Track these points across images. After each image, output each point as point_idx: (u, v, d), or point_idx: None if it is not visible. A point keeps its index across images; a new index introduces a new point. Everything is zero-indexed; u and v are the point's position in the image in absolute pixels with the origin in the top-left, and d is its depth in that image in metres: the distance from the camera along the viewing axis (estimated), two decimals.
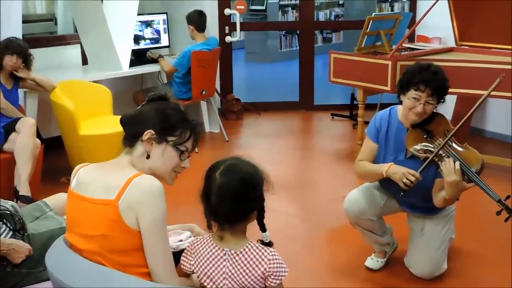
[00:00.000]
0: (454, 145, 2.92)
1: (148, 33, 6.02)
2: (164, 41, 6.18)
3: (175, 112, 2.01)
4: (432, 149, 2.89)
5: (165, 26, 6.15)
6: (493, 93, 4.40)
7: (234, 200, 1.84)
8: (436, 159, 2.87)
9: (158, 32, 6.10)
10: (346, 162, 4.56)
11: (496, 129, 5.82)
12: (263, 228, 1.96)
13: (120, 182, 1.85)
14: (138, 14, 5.60)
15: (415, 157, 2.95)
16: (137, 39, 5.84)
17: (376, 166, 3.06)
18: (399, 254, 3.36)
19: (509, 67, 4.35)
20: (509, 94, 4.35)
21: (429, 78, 2.87)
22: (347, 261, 3.46)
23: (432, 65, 2.97)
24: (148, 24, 6.02)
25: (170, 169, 2.01)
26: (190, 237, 2.19)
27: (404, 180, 2.87)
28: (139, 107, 2.05)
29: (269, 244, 1.95)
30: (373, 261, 3.32)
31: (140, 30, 5.91)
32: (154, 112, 1.99)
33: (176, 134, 1.98)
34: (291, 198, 4.49)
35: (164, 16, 6.15)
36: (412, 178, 2.85)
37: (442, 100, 2.96)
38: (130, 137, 1.99)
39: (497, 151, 5.24)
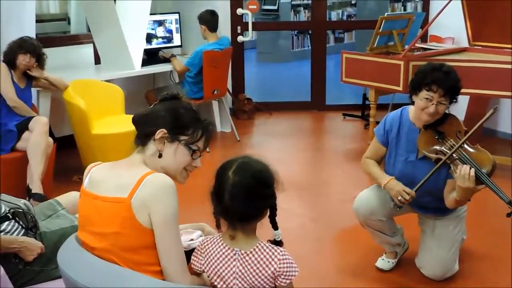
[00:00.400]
0: (465, 146, 2.91)
1: (160, 31, 6.04)
2: (176, 40, 6.20)
3: (187, 111, 2.02)
4: (443, 150, 2.88)
5: (177, 25, 6.17)
6: (506, 93, 4.44)
7: (247, 198, 1.84)
8: (448, 161, 2.86)
9: (170, 31, 6.12)
10: (357, 163, 4.53)
11: (508, 130, 5.78)
12: (275, 226, 1.97)
13: (133, 181, 1.86)
14: (151, 14, 5.62)
15: (426, 158, 2.94)
16: (149, 37, 5.85)
17: (378, 174, 3.09)
18: (411, 254, 3.35)
19: None
20: None
21: (441, 78, 2.85)
22: (358, 261, 3.45)
23: (444, 65, 2.96)
24: (160, 23, 6.04)
25: (182, 168, 2.02)
26: (201, 236, 2.20)
27: (399, 198, 2.93)
28: (152, 106, 2.06)
29: (280, 243, 1.95)
30: (384, 262, 3.32)
31: (152, 29, 5.93)
32: (166, 111, 2.00)
33: (188, 134, 1.99)
34: (302, 198, 4.49)
35: (176, 16, 6.16)
36: (407, 197, 2.91)
37: (454, 100, 2.94)
38: (143, 136, 2.00)
39: (509, 151, 5.20)
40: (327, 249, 3.68)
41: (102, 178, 1.96)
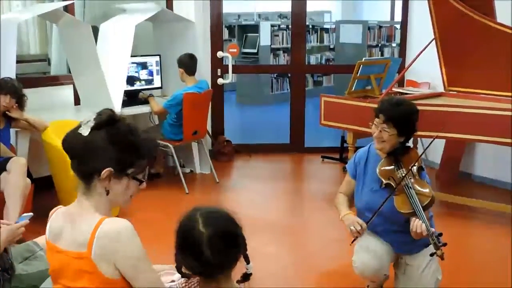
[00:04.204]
0: (412, 179, 3.07)
1: (143, 74, 6.08)
2: (157, 82, 6.24)
3: (132, 138, 1.89)
4: (394, 176, 3.08)
5: (158, 67, 6.22)
6: (482, 138, 4.53)
7: (228, 245, 1.78)
8: (395, 188, 3.03)
9: (151, 73, 6.16)
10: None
11: (484, 174, 5.86)
12: (247, 260, 1.88)
13: (86, 236, 1.81)
14: (132, 56, 5.66)
15: (388, 187, 3.09)
16: (132, 80, 5.88)
17: (340, 208, 3.27)
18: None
19: (497, 112, 4.41)
20: (498, 139, 4.41)
21: (387, 108, 3.12)
22: None
23: (399, 99, 3.29)
24: (144, 66, 6.08)
25: (129, 197, 1.96)
26: (181, 278, 2.18)
27: (351, 227, 3.08)
28: (87, 132, 1.85)
29: (250, 276, 1.89)
30: None
31: (136, 72, 5.96)
32: (108, 144, 1.84)
33: (136, 165, 1.90)
34: (281, 242, 4.47)
35: (157, 58, 6.21)
36: (358, 227, 3.06)
37: (406, 133, 3.14)
38: (86, 174, 1.88)
39: (486, 195, 5.27)
40: None
41: (59, 229, 1.91)
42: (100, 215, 1.87)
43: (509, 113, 4.35)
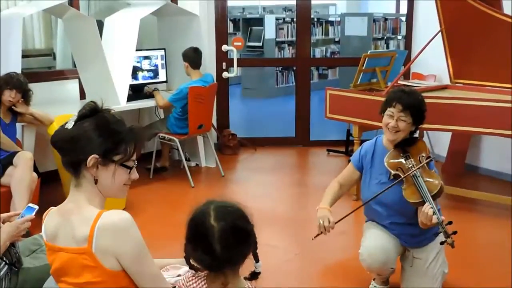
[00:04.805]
0: (422, 169, 3.07)
1: (146, 64, 6.07)
2: (162, 76, 6.23)
3: (115, 126, 1.90)
4: (403, 168, 3.07)
5: (163, 61, 6.21)
6: (488, 130, 4.51)
7: (239, 240, 1.77)
8: (404, 179, 3.04)
9: (156, 67, 6.16)
10: (341, 199, 4.57)
11: (491, 166, 5.84)
12: (257, 259, 1.88)
13: (85, 230, 1.81)
14: (137, 50, 5.66)
15: (396, 178, 3.08)
16: (135, 70, 5.87)
17: (324, 197, 3.33)
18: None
19: (503, 104, 4.39)
20: (503, 132, 4.39)
21: (401, 96, 3.13)
22: None
23: (409, 88, 3.28)
24: (146, 56, 6.08)
25: (121, 186, 1.95)
26: (188, 271, 2.18)
27: (320, 221, 3.15)
28: (71, 125, 1.89)
29: (258, 274, 1.89)
30: None
31: (138, 62, 5.96)
32: (93, 132, 1.86)
33: (121, 151, 1.89)
34: (286, 234, 4.48)
35: (162, 52, 6.21)
36: (326, 223, 3.13)
37: (418, 122, 3.14)
38: (72, 165, 1.89)
39: (492, 188, 5.26)
40: (312, 284, 3.66)
41: (56, 228, 1.92)
42: (95, 208, 1.87)
43: None
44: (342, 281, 3.62)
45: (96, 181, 1.89)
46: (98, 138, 1.85)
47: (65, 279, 1.92)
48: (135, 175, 1.97)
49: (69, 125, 1.88)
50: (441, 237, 2.89)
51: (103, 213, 1.83)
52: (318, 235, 3.19)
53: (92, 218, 1.82)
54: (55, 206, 2.04)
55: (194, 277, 1.89)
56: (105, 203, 1.97)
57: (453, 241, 2.81)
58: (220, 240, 1.73)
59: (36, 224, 2.54)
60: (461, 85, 5.34)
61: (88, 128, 1.86)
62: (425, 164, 3.08)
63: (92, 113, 1.90)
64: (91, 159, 1.84)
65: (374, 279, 3.36)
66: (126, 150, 1.90)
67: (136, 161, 1.96)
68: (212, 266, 1.80)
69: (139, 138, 1.97)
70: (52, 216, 1.97)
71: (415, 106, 3.11)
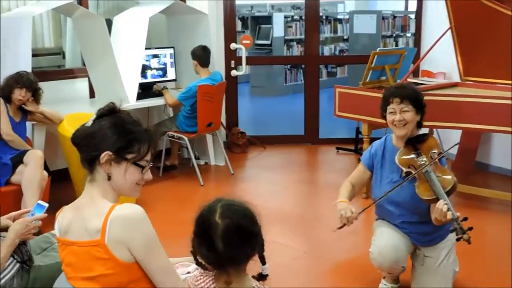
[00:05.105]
0: (434, 166, 3.05)
1: (154, 63, 6.08)
2: (171, 74, 6.24)
3: (130, 126, 1.95)
4: (415, 165, 3.06)
5: (172, 60, 6.22)
6: (498, 128, 4.49)
7: (242, 240, 1.78)
8: (416, 176, 3.03)
9: (165, 65, 6.17)
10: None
11: (501, 164, 5.82)
12: (263, 261, 1.88)
13: (99, 223, 1.84)
14: (146, 48, 5.68)
15: (407, 177, 3.07)
16: (143, 69, 5.88)
17: (341, 193, 3.29)
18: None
19: None
20: None
21: (394, 91, 3.15)
22: None
23: (402, 83, 3.34)
24: (154, 55, 6.09)
25: (134, 185, 1.99)
26: (197, 269, 2.18)
27: (342, 212, 3.10)
28: (90, 123, 1.97)
29: (265, 277, 1.89)
30: (387, 286, 3.35)
31: (147, 60, 5.97)
32: (108, 130, 1.92)
33: (135, 151, 1.94)
34: (295, 232, 4.48)
35: (171, 50, 6.22)
36: (349, 214, 3.07)
37: (421, 109, 3.15)
38: (88, 161, 1.95)
39: (502, 185, 5.24)
40: (321, 283, 3.65)
41: (69, 222, 1.95)
42: (109, 202, 1.91)
43: None
44: (352, 279, 3.61)
45: (109, 178, 1.93)
46: (112, 135, 1.91)
47: (76, 274, 1.93)
48: (148, 175, 2.01)
49: (88, 124, 1.96)
50: (454, 235, 2.87)
51: (116, 206, 1.87)
52: (341, 227, 3.15)
53: (105, 211, 1.85)
54: (66, 205, 2.06)
55: (202, 276, 1.90)
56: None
57: (470, 237, 2.78)
58: (223, 238, 1.76)
59: (47, 222, 2.56)
60: (471, 82, 5.32)
61: (104, 126, 1.93)
62: (437, 160, 3.06)
63: (110, 113, 1.97)
64: (105, 155, 1.90)
65: (384, 278, 3.36)
66: (140, 149, 1.95)
67: (150, 162, 2.00)
68: (215, 263, 1.82)
69: (153, 139, 2.01)
70: (65, 212, 2.01)
71: (411, 94, 3.13)
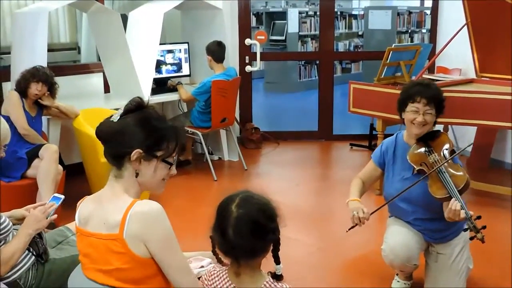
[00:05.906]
0: (446, 164, 3.03)
1: (169, 58, 6.10)
2: (185, 70, 6.26)
3: (158, 122, 1.96)
4: (427, 163, 3.04)
5: (187, 55, 6.24)
6: None
7: (253, 232, 1.78)
8: (429, 174, 3.00)
9: (179, 60, 6.19)
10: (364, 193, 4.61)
11: None
12: (277, 261, 1.89)
13: (118, 217, 1.86)
14: (160, 44, 5.69)
15: (420, 173, 3.05)
16: (158, 64, 5.90)
17: (351, 192, 3.26)
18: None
19: None
20: None
21: (422, 90, 3.08)
22: None
23: (424, 80, 3.26)
24: (169, 50, 6.11)
25: (160, 181, 2.01)
26: (210, 263, 2.19)
27: (354, 212, 3.07)
28: (117, 118, 1.96)
29: (280, 277, 1.89)
30: (400, 283, 3.34)
31: (161, 55, 5.99)
32: (137, 127, 1.93)
33: (164, 148, 1.95)
34: (309, 227, 4.48)
35: (185, 46, 6.23)
36: (361, 214, 3.05)
37: (440, 112, 3.12)
38: (116, 157, 1.96)
39: None
40: (334, 279, 3.66)
41: (89, 214, 1.96)
42: (130, 197, 1.92)
43: None
44: (365, 276, 3.61)
45: (137, 175, 1.95)
46: (141, 133, 1.92)
47: (93, 265, 1.95)
48: (174, 171, 2.03)
49: (115, 118, 1.95)
50: (467, 233, 2.86)
51: (137, 201, 1.88)
52: (353, 227, 3.13)
53: (125, 206, 1.87)
54: (80, 198, 2.08)
55: (215, 270, 1.92)
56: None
57: (483, 236, 2.75)
58: (234, 227, 1.78)
59: (62, 216, 2.59)
60: (487, 79, 5.28)
61: (131, 123, 1.93)
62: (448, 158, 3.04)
63: (137, 109, 1.96)
64: (135, 153, 1.91)
65: (397, 274, 3.35)
66: (168, 146, 1.96)
67: (176, 158, 2.02)
68: (226, 251, 1.84)
69: (180, 136, 2.03)
70: (87, 202, 2.03)
71: (437, 97, 3.09)
